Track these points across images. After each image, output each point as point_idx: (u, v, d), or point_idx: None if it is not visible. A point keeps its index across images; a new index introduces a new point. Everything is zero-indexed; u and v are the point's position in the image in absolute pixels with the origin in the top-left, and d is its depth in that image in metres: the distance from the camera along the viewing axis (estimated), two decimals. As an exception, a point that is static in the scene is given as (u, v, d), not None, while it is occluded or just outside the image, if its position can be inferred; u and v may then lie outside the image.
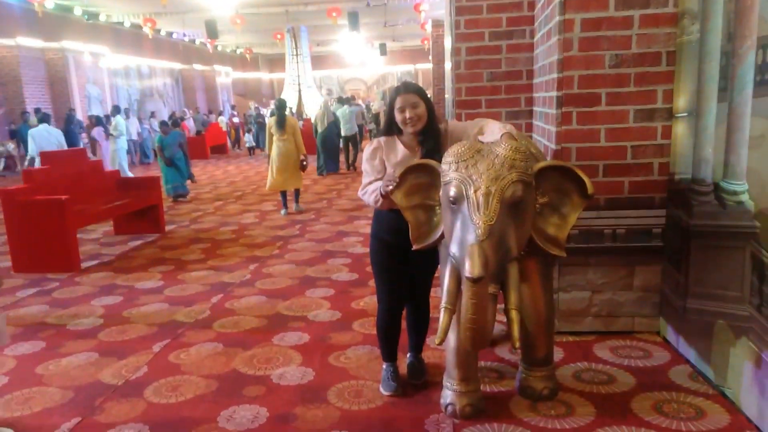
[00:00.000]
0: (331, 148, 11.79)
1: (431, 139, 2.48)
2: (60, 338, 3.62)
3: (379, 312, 2.74)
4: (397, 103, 2.45)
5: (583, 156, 3.08)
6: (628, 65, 2.98)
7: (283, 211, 7.62)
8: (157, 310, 4.09)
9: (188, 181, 9.40)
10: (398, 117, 2.46)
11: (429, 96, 2.61)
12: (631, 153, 3.06)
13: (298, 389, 2.82)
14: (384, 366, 2.79)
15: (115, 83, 17.07)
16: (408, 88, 2.48)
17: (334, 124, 11.76)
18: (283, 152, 7.28)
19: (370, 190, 2.49)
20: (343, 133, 11.99)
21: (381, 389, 2.73)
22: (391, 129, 2.54)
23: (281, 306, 4.04)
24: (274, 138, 7.31)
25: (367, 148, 2.61)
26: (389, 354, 2.78)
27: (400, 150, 2.52)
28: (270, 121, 7.56)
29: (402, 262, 2.61)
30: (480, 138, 2.38)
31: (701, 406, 2.50)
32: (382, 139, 2.58)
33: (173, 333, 3.62)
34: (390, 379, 2.73)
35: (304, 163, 7.49)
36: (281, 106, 7.74)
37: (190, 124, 17.09)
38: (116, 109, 12.33)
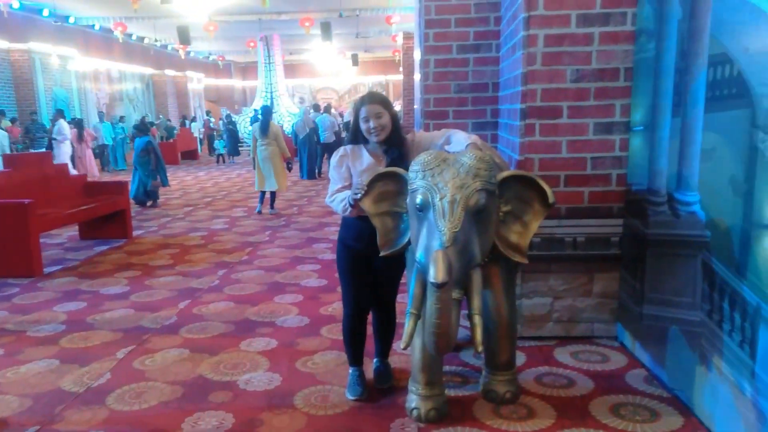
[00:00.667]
0: (311, 155, 11.88)
1: (396, 148, 2.50)
2: (19, 345, 3.49)
3: (344, 316, 2.74)
4: (362, 113, 2.47)
5: (545, 166, 3.14)
6: (589, 80, 3.06)
7: (258, 208, 7.96)
8: (122, 315, 3.98)
9: (159, 187, 9.19)
10: (363, 126, 2.48)
11: (394, 106, 2.64)
12: (591, 164, 3.14)
13: (264, 395, 2.78)
14: (350, 371, 2.78)
15: (84, 87, 16.65)
16: (372, 99, 2.50)
17: (313, 131, 11.82)
18: (266, 156, 7.58)
19: (339, 198, 2.49)
20: (322, 140, 12.01)
21: (346, 394, 2.71)
22: (357, 138, 2.55)
23: (249, 312, 3.98)
24: (258, 143, 7.63)
25: (334, 156, 2.62)
26: (355, 358, 2.77)
27: (366, 158, 2.53)
28: (254, 127, 7.91)
29: (366, 267, 2.62)
30: (446, 148, 2.41)
31: (656, 408, 2.56)
32: (349, 147, 2.59)
33: (138, 339, 3.53)
34: (355, 383, 2.72)
35: (290, 165, 7.92)
36: (266, 112, 8.04)
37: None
38: (60, 113, 11.99)
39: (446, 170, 2.15)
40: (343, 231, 2.67)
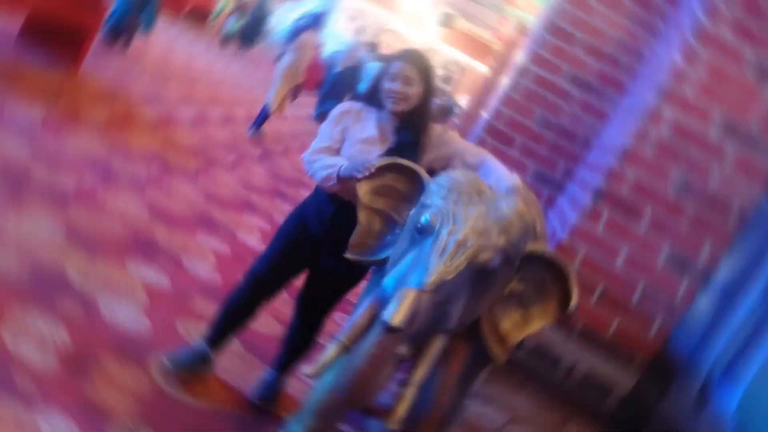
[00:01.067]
0: (335, 95, 11.86)
1: (412, 130, 2.50)
2: None
3: (240, 284, 2.74)
4: (391, 69, 2.48)
5: (586, 266, 3.16)
6: (694, 201, 3.08)
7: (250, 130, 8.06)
8: (4, 156, 3.97)
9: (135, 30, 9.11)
10: (386, 85, 2.49)
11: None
12: (640, 294, 3.15)
13: (120, 334, 2.78)
14: (197, 343, 2.78)
15: None
16: (411, 58, 2.50)
17: (353, 70, 11.77)
18: (279, 64, 7.98)
19: (325, 162, 2.48)
20: (361, 90, 11.99)
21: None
22: (373, 97, 2.56)
23: (159, 232, 3.98)
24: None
25: (336, 109, 2.63)
26: (213, 335, 2.75)
27: (370, 127, 2.53)
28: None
29: (308, 255, 2.65)
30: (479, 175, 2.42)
31: None
32: (358, 105, 2.60)
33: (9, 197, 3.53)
34: (182, 355, 2.72)
35: (297, 92, 8.46)
36: (315, 20, 8.36)
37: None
38: None
39: (475, 204, 2.15)
40: (308, 201, 2.69)
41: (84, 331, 2.67)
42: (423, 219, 2.17)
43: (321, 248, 2.61)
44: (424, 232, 2.16)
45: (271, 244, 2.74)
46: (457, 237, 2.09)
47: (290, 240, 2.68)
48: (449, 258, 2.07)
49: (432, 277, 2.05)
